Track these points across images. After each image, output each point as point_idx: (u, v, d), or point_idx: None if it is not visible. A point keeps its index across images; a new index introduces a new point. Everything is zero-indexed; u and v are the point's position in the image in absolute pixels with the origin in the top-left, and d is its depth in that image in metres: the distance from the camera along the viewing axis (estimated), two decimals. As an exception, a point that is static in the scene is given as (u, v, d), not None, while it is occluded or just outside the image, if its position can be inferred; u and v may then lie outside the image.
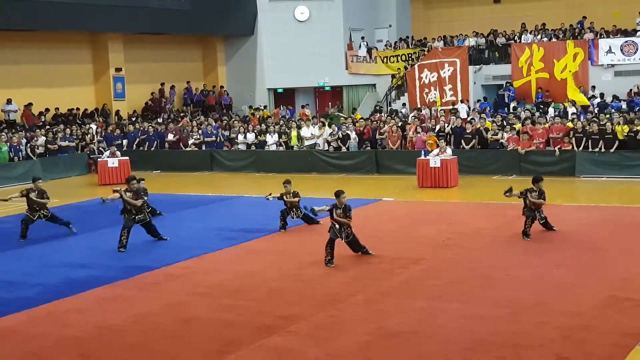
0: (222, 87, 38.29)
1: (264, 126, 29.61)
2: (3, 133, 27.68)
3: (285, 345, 9.68)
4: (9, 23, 28.70)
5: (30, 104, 30.59)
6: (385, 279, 12.52)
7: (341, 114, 33.16)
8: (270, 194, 16.89)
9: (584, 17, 34.20)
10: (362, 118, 29.65)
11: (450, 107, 29.04)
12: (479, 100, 31.85)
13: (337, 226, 13.63)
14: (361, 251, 13.93)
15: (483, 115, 27.49)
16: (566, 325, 9.97)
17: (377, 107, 33.43)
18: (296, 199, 16.72)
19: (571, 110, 27.82)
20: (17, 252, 15.65)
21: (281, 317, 10.74)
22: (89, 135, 29.78)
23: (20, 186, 20.20)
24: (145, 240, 15.66)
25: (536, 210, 15.05)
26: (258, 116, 33.41)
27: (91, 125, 31.15)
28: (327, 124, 28.58)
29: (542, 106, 29.75)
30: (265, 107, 36.00)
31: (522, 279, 12.29)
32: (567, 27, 34.05)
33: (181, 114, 34.71)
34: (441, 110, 28.73)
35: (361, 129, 27.17)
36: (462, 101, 29.93)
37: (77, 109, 32.86)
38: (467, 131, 24.96)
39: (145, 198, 16.24)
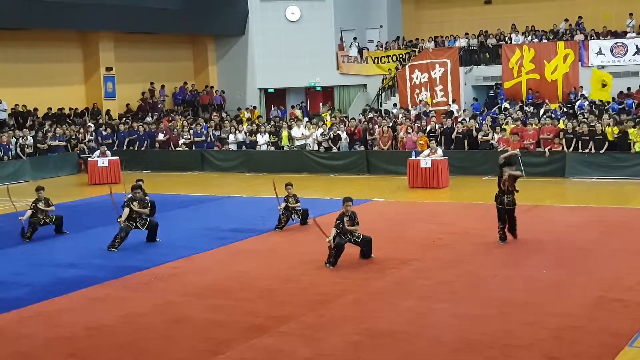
0: (212, 87, 38.26)
1: (254, 126, 29.62)
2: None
3: (276, 345, 9.69)
4: (-1, 21, 28.66)
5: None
6: (376, 279, 12.55)
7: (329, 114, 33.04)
8: (280, 207, 16.74)
9: (580, 17, 34.26)
10: (352, 118, 29.66)
11: (444, 107, 29.10)
12: (475, 99, 31.82)
13: (343, 236, 13.55)
14: (368, 257, 13.76)
15: (479, 118, 27.43)
16: (555, 325, 10.02)
17: (367, 108, 33.41)
18: (297, 205, 16.84)
19: (560, 110, 27.93)
20: (6, 251, 15.62)
21: (271, 317, 10.75)
22: (86, 133, 29.68)
23: (6, 186, 20.17)
24: (136, 241, 15.63)
25: (506, 194, 14.47)
26: (247, 117, 33.39)
27: (89, 124, 31.10)
28: (318, 124, 28.59)
29: (532, 107, 29.84)
30: (254, 107, 35.99)
31: (512, 279, 12.34)
32: (558, 28, 34.15)
33: (171, 114, 34.65)
34: (432, 111, 28.79)
35: (352, 129, 27.21)
36: (454, 101, 29.99)
37: (72, 109, 32.82)
38: (458, 131, 25.03)
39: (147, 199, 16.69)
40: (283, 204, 16.68)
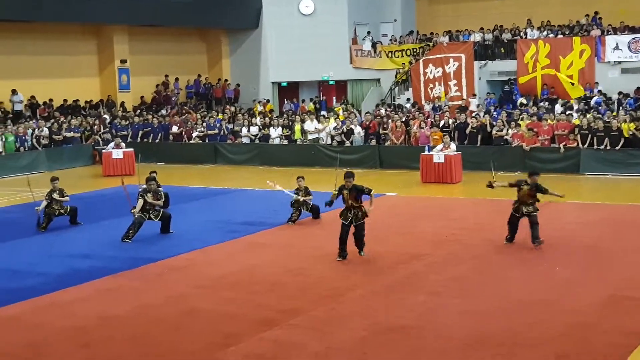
0: (226, 80, 38.33)
1: (267, 119, 29.67)
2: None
3: (286, 338, 9.74)
4: (15, 14, 28.75)
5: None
6: (387, 274, 12.58)
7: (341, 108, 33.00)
8: (275, 184, 16.91)
9: (596, 13, 34.05)
10: (367, 112, 29.65)
11: (458, 102, 29.03)
12: (492, 94, 31.68)
13: (347, 212, 13.53)
14: (360, 247, 13.71)
15: (494, 113, 27.38)
16: (566, 323, 10.01)
17: (380, 103, 33.36)
18: (309, 197, 16.80)
19: (575, 107, 27.81)
20: (22, 241, 15.75)
21: (282, 310, 10.80)
22: (102, 125, 29.82)
23: (26, 176, 20.25)
24: (149, 232, 15.70)
25: (525, 204, 14.03)
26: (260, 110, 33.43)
27: (105, 115, 31.25)
28: (331, 118, 28.60)
29: (547, 103, 29.72)
30: (267, 100, 36.01)
31: (523, 276, 12.34)
32: (574, 23, 33.94)
33: (185, 107, 34.75)
34: (446, 105, 28.73)
35: (368, 123, 27.22)
36: (473, 96, 29.84)
37: (87, 101, 32.97)
38: (472, 126, 24.98)
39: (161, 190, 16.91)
40: (279, 186, 16.78)
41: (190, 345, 9.57)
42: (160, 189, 17.12)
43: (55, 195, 16.74)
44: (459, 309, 10.70)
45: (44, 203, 16.65)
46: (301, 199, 16.69)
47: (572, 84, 27.18)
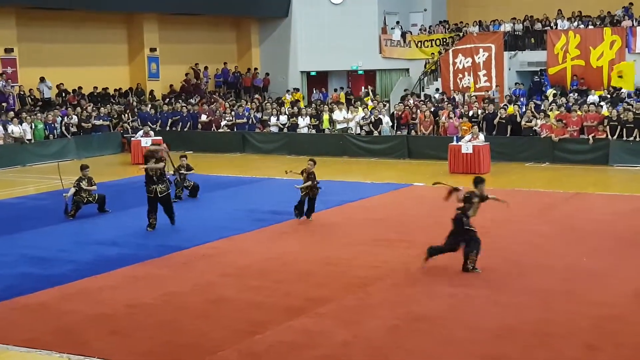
0: (255, 69, 38.33)
1: (296, 109, 29.64)
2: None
3: (314, 327, 9.70)
4: (45, 2, 28.91)
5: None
6: (415, 264, 12.47)
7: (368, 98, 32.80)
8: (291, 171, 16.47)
9: (631, 4, 33.60)
10: (400, 102, 29.50)
11: (485, 92, 28.83)
12: (520, 84, 31.44)
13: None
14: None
15: (518, 103, 27.24)
16: (596, 314, 9.90)
17: (406, 93, 33.19)
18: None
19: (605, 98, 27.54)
20: (52, 229, 15.85)
21: (309, 299, 10.77)
22: (131, 113, 30.00)
23: (57, 163, 20.35)
24: (176, 220, 15.71)
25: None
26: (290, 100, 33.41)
27: (135, 103, 31.39)
28: (360, 108, 28.51)
29: (577, 94, 29.42)
30: (295, 90, 35.95)
31: (552, 267, 12.20)
32: (605, 14, 33.53)
33: (214, 95, 34.80)
34: (474, 96, 28.52)
35: (400, 113, 27.13)
36: (496, 87, 29.67)
37: (117, 89, 33.15)
38: (501, 117, 24.81)
39: (185, 172, 17.40)
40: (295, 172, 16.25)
41: (217, 333, 9.56)
42: (185, 167, 17.88)
43: (84, 184, 16.81)
44: (488, 300, 10.62)
45: (72, 190, 16.74)
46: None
47: (620, 76, 26.90)
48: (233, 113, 29.84)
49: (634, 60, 29.28)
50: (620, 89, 28.56)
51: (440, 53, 34.59)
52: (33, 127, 26.91)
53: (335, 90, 36.34)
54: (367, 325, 9.72)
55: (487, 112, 25.41)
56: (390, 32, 37.35)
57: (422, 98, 30.93)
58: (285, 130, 28.57)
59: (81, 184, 16.80)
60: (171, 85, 35.36)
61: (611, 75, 27.82)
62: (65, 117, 28.27)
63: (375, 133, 26.69)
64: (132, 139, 26.85)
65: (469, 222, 11.92)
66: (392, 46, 37.12)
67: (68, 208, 16.77)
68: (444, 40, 36.05)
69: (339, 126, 27.91)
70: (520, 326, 9.53)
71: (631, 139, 22.72)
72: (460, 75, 30.22)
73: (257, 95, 34.85)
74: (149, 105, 30.98)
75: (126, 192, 19.82)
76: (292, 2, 37.24)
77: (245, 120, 29.37)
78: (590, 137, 23.32)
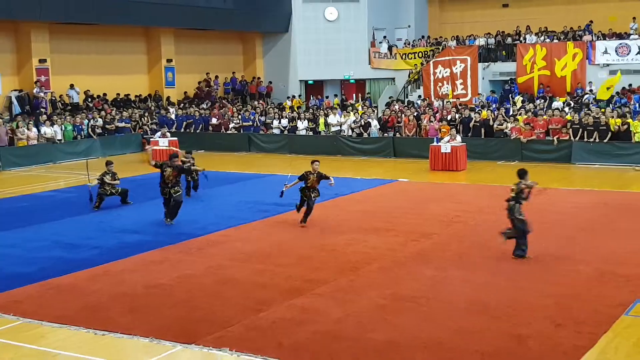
0: (258, 77, 38.27)
1: (295, 113, 29.63)
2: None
3: (311, 305, 9.72)
4: (74, 17, 28.83)
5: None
6: (400, 250, 12.52)
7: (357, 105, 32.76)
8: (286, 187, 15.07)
9: (591, 22, 33.68)
10: (386, 108, 29.50)
11: (464, 99, 28.81)
12: (492, 92, 31.48)
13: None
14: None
15: (490, 108, 27.23)
16: (559, 294, 9.94)
17: (390, 100, 33.17)
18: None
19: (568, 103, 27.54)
20: (79, 219, 15.83)
21: (307, 280, 10.79)
22: (150, 116, 29.95)
23: (85, 160, 20.35)
24: (190, 211, 15.72)
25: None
26: (290, 105, 33.35)
27: (169, 108, 31.36)
28: (351, 113, 28.50)
29: (543, 100, 29.43)
30: (294, 96, 35.89)
31: (521, 252, 12.22)
32: (568, 29, 33.60)
33: (223, 101, 34.74)
34: (451, 102, 28.52)
35: (386, 117, 27.11)
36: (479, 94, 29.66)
37: (137, 95, 33.06)
38: (475, 120, 24.83)
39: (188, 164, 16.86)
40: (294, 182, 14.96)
41: (227, 311, 9.58)
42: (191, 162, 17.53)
43: (107, 178, 16.77)
44: (462, 280, 10.65)
45: (95, 182, 16.72)
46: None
47: (609, 88, 26.85)
48: (240, 117, 29.79)
49: (594, 70, 29.32)
50: (584, 95, 28.55)
51: (422, 64, 34.54)
52: (63, 128, 26.85)
53: (327, 97, 36.29)
54: (358, 303, 9.74)
55: (463, 116, 25.42)
56: (378, 46, 37.31)
57: (406, 104, 30.98)
58: (286, 132, 28.53)
59: (105, 178, 16.76)
60: (185, 92, 35.27)
61: (599, 88, 27.64)
62: (92, 120, 28.21)
63: (365, 135, 26.67)
64: (151, 139, 26.79)
65: (520, 211, 11.77)
66: (379, 58, 37.08)
67: (92, 199, 16.75)
68: (426, 53, 36.01)
69: (333, 129, 27.87)
70: (490, 303, 9.56)
71: (591, 140, 22.71)
72: (440, 84, 30.13)
73: (261, 101, 34.81)
74: (171, 110, 30.95)
75: (146, 186, 19.78)
76: (292, 19, 37.17)
77: (250, 123, 29.32)
78: (555, 138, 23.34)
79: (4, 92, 28.31)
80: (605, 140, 22.54)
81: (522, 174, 11.94)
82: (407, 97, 34.61)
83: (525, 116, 24.94)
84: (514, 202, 11.80)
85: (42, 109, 28.12)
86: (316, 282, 10.70)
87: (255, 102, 34.34)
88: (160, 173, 15.09)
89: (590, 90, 29.24)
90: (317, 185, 14.73)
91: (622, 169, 21.47)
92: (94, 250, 12.93)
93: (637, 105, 27.21)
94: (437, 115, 26.51)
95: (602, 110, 24.45)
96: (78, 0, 28.21)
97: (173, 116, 30.27)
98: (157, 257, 12.43)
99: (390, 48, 37.12)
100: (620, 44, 30.70)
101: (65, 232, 14.51)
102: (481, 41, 34.67)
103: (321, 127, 28.20)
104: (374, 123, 26.96)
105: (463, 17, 38.86)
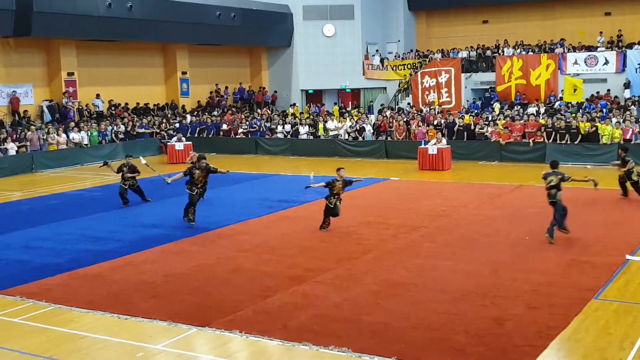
0: (264, 87, 38.22)
1: (297, 119, 29.58)
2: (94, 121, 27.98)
3: (312, 291, 9.71)
4: (99, 34, 28.80)
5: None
6: (392, 242, 12.50)
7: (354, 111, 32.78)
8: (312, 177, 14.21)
9: (563, 39, 33.76)
10: (379, 114, 29.46)
11: (448, 106, 28.77)
12: (474, 100, 31.47)
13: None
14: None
15: (473, 114, 27.23)
16: (535, 281, 9.92)
17: (381, 107, 33.14)
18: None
19: (542, 109, 27.47)
20: (104, 215, 15.82)
21: (309, 269, 10.77)
22: (168, 123, 29.89)
23: (109, 162, 20.27)
24: (203, 208, 15.69)
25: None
26: (292, 112, 33.30)
27: (186, 116, 31.32)
28: (347, 118, 28.49)
29: (519, 106, 29.38)
30: (294, 104, 35.86)
31: (501, 243, 12.22)
32: (542, 43, 33.59)
33: (232, 109, 34.71)
34: (438, 108, 28.49)
35: (379, 123, 27.10)
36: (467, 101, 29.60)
37: (155, 104, 33.01)
38: (459, 125, 24.82)
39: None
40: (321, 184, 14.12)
41: (236, 296, 9.57)
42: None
43: (125, 169, 16.62)
44: (449, 269, 10.63)
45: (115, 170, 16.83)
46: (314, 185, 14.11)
47: (575, 90, 26.63)
48: (248, 123, 29.76)
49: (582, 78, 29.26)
50: (556, 102, 28.52)
51: (411, 75, 34.54)
52: (89, 134, 26.82)
53: (323, 104, 36.23)
54: (354, 290, 9.73)
55: (448, 121, 25.39)
56: (371, 59, 37.26)
57: (397, 110, 30.96)
58: (289, 136, 28.50)
59: (123, 169, 16.62)
60: (198, 101, 35.23)
61: (564, 90, 27.44)
62: (115, 126, 28.19)
63: (360, 138, 26.65)
64: (168, 143, 26.78)
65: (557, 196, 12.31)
66: (372, 69, 37.05)
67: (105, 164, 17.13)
68: (414, 64, 36.00)
69: (331, 133, 27.84)
70: (474, 289, 9.55)
71: (563, 142, 22.71)
72: (427, 93, 30.10)
73: (266, 109, 34.77)
74: (187, 117, 30.94)
75: (164, 185, 19.69)
76: (294, 35, 37.12)
77: (257, 128, 29.30)
78: (530, 141, 23.31)
79: (36, 102, 28.35)
80: (576, 142, 22.53)
81: (554, 164, 12.73)
82: (397, 104, 34.58)
83: (504, 121, 24.93)
84: (555, 190, 12.28)
85: (70, 117, 28.11)
86: (317, 270, 10.68)
87: (261, 110, 34.32)
88: (188, 176, 14.62)
89: (561, 98, 29.19)
90: (342, 192, 13.57)
91: (591, 168, 21.43)
92: (118, 243, 12.92)
93: (604, 110, 27.18)
94: (424, 120, 26.49)
95: (573, 115, 24.47)
96: (103, 20, 28.19)
97: (188, 122, 30.31)
98: (174, 248, 12.41)
99: (382, 60, 37.10)
100: (589, 55, 30.72)
101: (91, 226, 14.49)
102: (464, 54, 34.65)
103: (320, 132, 28.16)
104: (368, 128, 26.95)
105: (447, 32, 38.84)
